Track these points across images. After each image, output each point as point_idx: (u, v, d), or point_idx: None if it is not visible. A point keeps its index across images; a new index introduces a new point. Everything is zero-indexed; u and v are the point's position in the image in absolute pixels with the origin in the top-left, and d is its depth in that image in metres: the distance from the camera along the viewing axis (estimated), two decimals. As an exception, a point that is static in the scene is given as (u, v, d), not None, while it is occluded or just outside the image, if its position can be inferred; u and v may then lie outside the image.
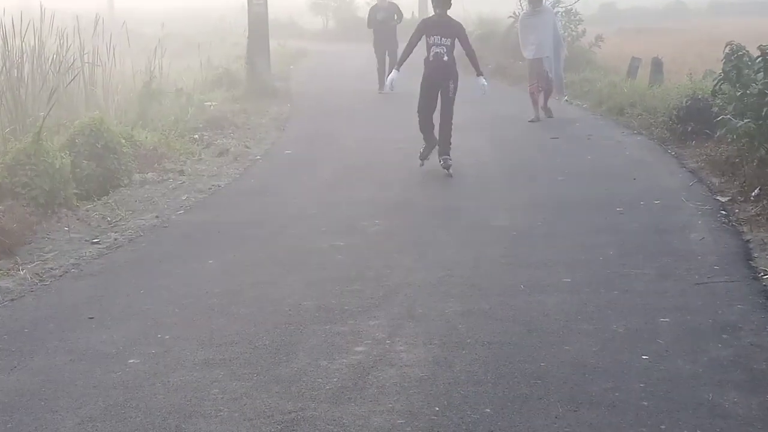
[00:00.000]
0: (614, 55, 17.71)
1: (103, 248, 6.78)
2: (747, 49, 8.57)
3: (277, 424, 3.75)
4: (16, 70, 10.37)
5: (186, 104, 12.93)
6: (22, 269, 6.16)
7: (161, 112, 12.06)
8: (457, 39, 8.77)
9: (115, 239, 7.03)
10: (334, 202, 8.06)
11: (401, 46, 9.70)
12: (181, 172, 9.54)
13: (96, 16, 12.97)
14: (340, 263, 6.15)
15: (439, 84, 8.80)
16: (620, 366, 4.22)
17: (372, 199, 8.14)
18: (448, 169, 8.86)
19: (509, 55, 17.22)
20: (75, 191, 7.86)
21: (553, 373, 4.16)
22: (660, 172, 8.90)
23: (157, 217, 7.74)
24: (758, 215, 6.73)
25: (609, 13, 36.36)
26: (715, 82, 9.01)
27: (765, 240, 6.18)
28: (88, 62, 11.98)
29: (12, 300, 5.60)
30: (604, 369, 4.19)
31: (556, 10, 15.23)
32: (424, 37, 8.82)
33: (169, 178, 9.25)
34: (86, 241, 6.98)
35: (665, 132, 10.55)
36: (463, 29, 8.94)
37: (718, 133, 8.88)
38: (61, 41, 11.65)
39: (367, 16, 16.83)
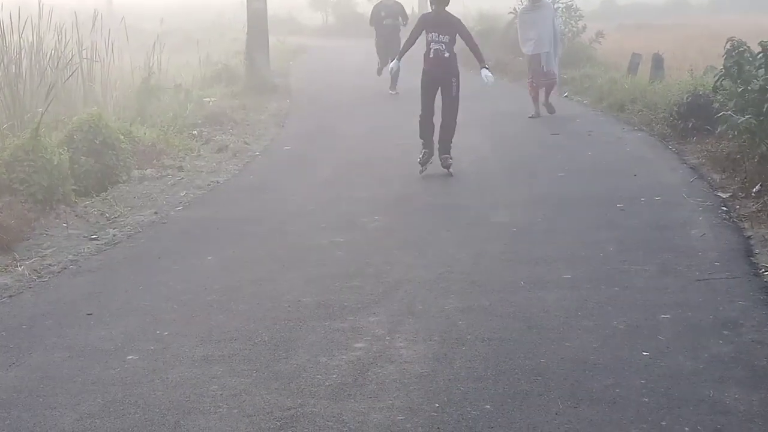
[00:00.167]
0: (615, 51, 17.69)
1: (102, 244, 6.78)
2: (748, 45, 8.57)
3: (277, 421, 3.75)
4: (14, 66, 10.37)
5: (185, 100, 12.93)
6: (20, 266, 6.15)
7: (160, 108, 12.06)
8: (458, 34, 8.74)
9: (114, 235, 7.03)
10: (334, 199, 8.06)
11: None
12: (180, 169, 9.53)
13: (94, 12, 12.98)
14: (339, 259, 6.15)
15: (439, 81, 8.75)
16: (621, 362, 4.22)
17: (372, 195, 8.14)
18: (448, 168, 8.83)
19: (509, 51, 17.20)
20: (73, 187, 7.86)
21: (553, 369, 4.16)
22: (661, 168, 8.89)
23: (155, 213, 7.74)
24: (759, 212, 6.73)
25: (609, 9, 36.39)
26: (716, 78, 8.99)
27: (766, 236, 6.18)
28: (86, 58, 11.99)
29: (10, 296, 5.60)
30: (605, 365, 4.19)
31: (556, 5, 15.23)
32: (423, 32, 8.81)
33: (168, 175, 9.25)
34: (84, 237, 6.98)
35: (666, 128, 10.54)
36: (462, 24, 8.91)
37: (719, 130, 8.87)
38: (60, 37, 11.66)
39: (370, 12, 16.74)
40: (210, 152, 10.58)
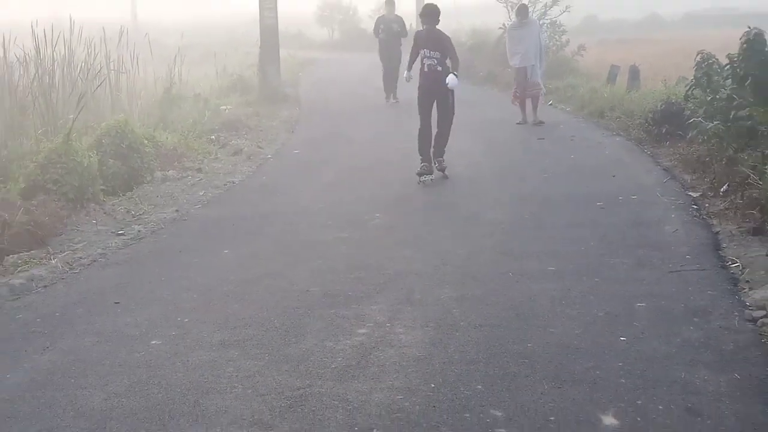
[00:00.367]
0: (595, 64, 17.67)
1: (128, 239, 6.78)
2: (717, 57, 8.57)
3: (287, 399, 3.76)
4: (47, 77, 10.38)
5: (203, 108, 12.95)
6: (54, 258, 6.16)
7: (180, 116, 12.08)
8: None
9: (139, 231, 7.03)
10: (339, 198, 8.05)
11: (404, 58, 9.62)
12: (199, 170, 9.53)
13: (121, 28, 12.98)
14: (344, 254, 6.14)
15: (435, 93, 8.71)
16: (600, 347, 4.21)
17: (374, 195, 8.13)
18: (443, 171, 8.81)
19: (498, 64, 17.13)
20: (102, 187, 7.87)
21: (539, 353, 4.16)
22: (637, 170, 8.88)
23: (177, 211, 7.74)
24: (726, 209, 6.72)
25: (592, 25, 36.26)
26: (688, 87, 9.01)
27: (733, 232, 6.17)
28: (113, 70, 11.98)
29: (45, 287, 5.61)
30: (586, 350, 4.18)
31: (541, 22, 15.21)
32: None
33: (188, 176, 9.25)
34: (112, 233, 6.98)
35: (642, 133, 10.53)
36: (449, 40, 8.76)
37: (690, 135, 8.88)
38: (89, 50, 11.65)
39: (373, 25, 16.67)
40: (226, 155, 10.58)
